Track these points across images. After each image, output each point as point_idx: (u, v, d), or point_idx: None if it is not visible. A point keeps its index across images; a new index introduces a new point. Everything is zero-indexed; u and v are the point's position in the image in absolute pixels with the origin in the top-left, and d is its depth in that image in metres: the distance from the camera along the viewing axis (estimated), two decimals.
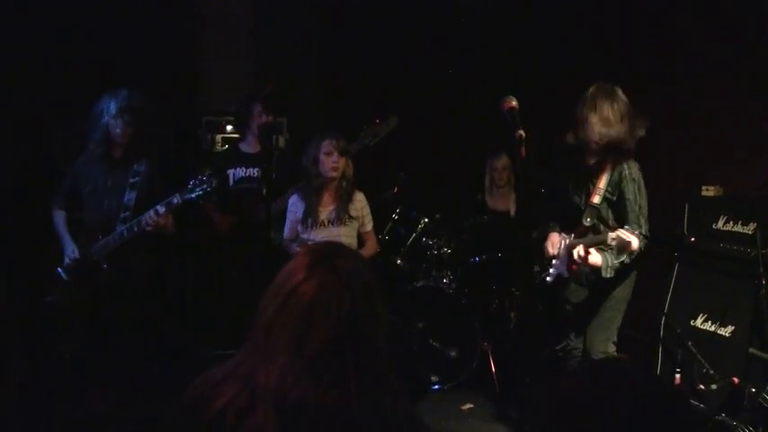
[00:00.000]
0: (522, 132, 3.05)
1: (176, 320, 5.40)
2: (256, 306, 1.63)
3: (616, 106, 3.52)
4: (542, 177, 4.18)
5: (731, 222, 4.35)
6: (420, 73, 6.20)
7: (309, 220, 4.34)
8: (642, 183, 3.67)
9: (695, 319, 4.40)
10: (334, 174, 4.30)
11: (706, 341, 4.26)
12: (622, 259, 3.58)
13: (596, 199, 3.69)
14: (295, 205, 4.42)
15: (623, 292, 3.86)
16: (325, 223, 4.36)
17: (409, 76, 6.18)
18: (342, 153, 4.30)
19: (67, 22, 5.48)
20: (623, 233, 3.31)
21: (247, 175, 5.00)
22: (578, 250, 3.57)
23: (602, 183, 3.67)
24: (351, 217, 4.40)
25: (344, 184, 4.37)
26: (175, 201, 4.06)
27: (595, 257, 3.58)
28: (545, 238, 3.96)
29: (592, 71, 5.48)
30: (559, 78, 5.60)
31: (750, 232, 4.19)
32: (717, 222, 4.42)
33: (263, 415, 1.49)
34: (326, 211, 4.38)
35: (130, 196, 4.23)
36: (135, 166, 4.28)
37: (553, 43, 5.71)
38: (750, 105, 4.64)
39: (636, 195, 3.65)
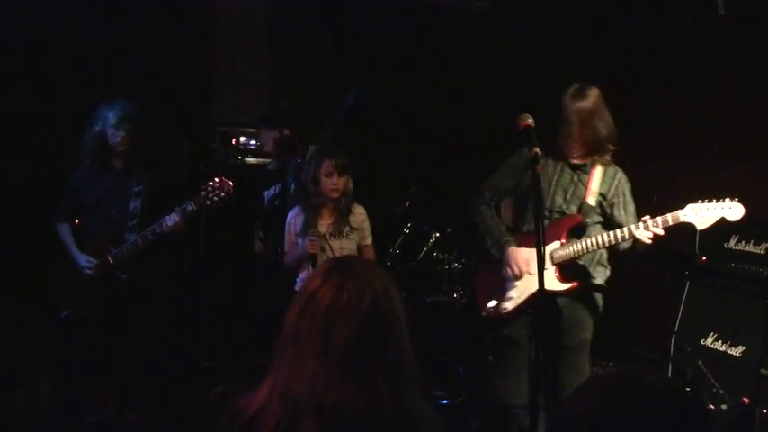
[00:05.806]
0: (537, 150, 3.05)
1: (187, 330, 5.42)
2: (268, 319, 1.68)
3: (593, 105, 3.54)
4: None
5: (743, 242, 4.36)
6: (435, 86, 6.22)
7: (308, 234, 4.28)
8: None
9: (706, 338, 4.40)
10: (335, 195, 4.27)
11: (716, 361, 4.27)
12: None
13: (591, 200, 3.61)
14: (294, 219, 4.37)
15: (589, 334, 3.70)
16: (327, 237, 4.32)
17: (424, 89, 6.20)
18: (342, 172, 4.24)
19: (82, 35, 5.51)
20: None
21: (277, 191, 4.93)
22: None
23: (595, 184, 3.60)
24: (352, 228, 4.38)
25: (344, 200, 4.34)
26: (189, 208, 4.15)
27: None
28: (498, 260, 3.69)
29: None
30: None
31: (762, 252, 4.21)
32: (728, 242, 4.43)
33: (307, 428, 1.52)
34: (325, 225, 4.35)
35: (136, 204, 4.31)
36: (137, 175, 4.36)
37: (567, 58, 5.73)
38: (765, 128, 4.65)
39: (631, 197, 3.63)
